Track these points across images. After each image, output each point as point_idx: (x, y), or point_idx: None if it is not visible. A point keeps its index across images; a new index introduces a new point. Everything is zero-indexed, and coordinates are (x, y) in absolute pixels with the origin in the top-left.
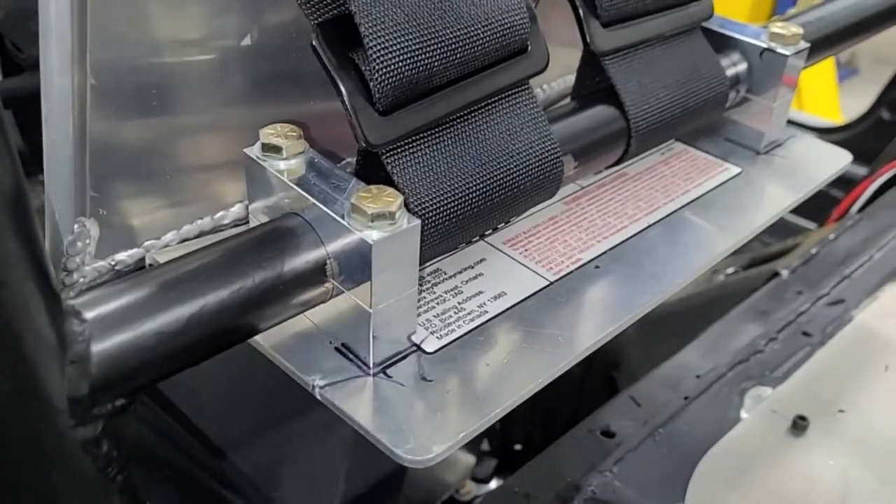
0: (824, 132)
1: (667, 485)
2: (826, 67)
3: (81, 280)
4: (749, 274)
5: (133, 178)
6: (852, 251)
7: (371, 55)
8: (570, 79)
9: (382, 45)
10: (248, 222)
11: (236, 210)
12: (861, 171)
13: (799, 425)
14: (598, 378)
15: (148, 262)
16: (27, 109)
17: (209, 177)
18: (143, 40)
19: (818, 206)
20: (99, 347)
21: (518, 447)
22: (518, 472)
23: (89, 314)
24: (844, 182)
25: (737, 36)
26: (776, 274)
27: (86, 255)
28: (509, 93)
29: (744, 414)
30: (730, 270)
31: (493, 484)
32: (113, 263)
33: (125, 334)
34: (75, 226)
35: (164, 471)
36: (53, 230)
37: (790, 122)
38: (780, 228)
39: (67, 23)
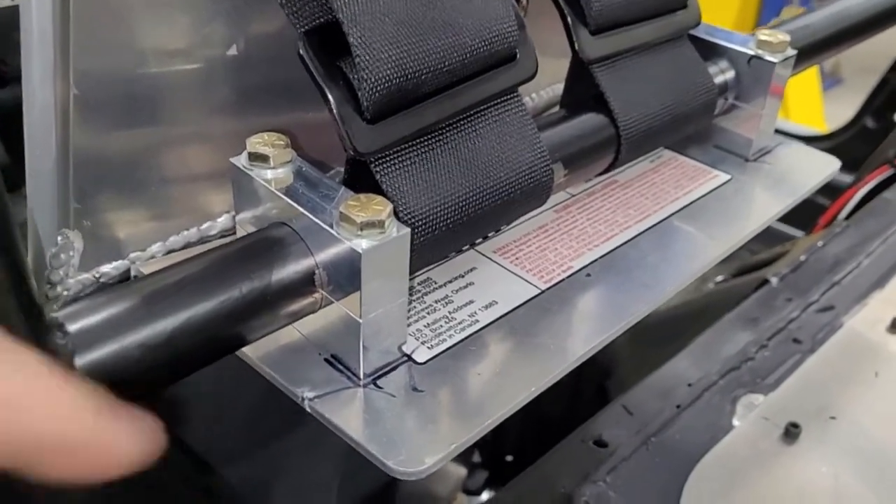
0: (809, 141)
1: (660, 494)
2: (811, 77)
3: (66, 293)
4: (738, 282)
5: (118, 189)
6: (841, 258)
7: (359, 63)
8: (560, 87)
9: (370, 54)
10: (235, 233)
11: (223, 221)
12: (847, 178)
13: (791, 432)
14: (589, 387)
15: (133, 273)
16: (12, 122)
17: (195, 187)
18: (128, 50)
19: (805, 215)
20: (82, 361)
21: (509, 458)
22: (510, 483)
23: (72, 327)
24: (831, 190)
25: (724, 43)
26: (765, 281)
27: (70, 267)
28: (498, 101)
29: (736, 422)
30: (719, 278)
31: (485, 496)
32: (98, 276)
33: (109, 347)
34: (59, 238)
35: (149, 486)
36: (36, 242)
37: (776, 132)
38: (767, 236)
39: (49, 33)
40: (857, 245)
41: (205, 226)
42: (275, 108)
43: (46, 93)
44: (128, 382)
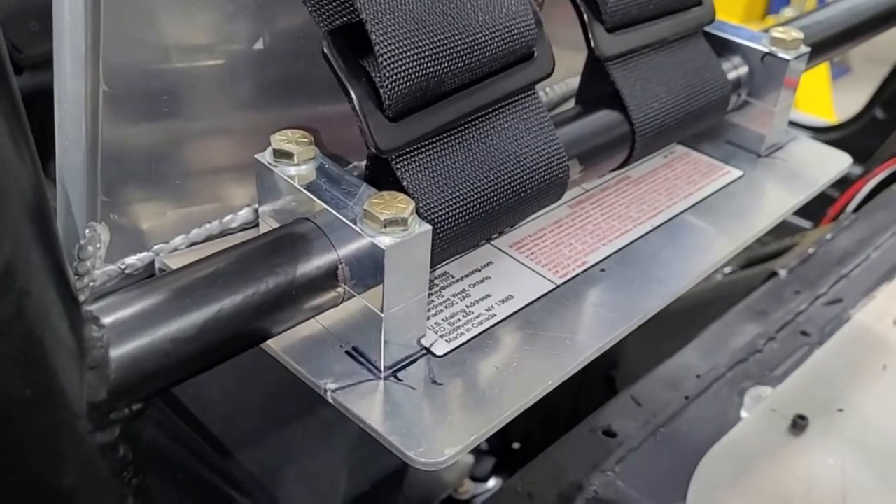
0: (819, 131)
1: (668, 484)
2: (820, 66)
3: (91, 284)
4: (747, 273)
5: (143, 182)
6: (849, 251)
7: (382, 62)
8: (573, 81)
9: (393, 53)
10: (256, 226)
11: (244, 214)
12: (856, 170)
13: (798, 424)
14: (597, 377)
15: (157, 265)
16: (28, 109)
17: (218, 180)
18: (155, 46)
19: (814, 206)
20: (117, 353)
21: (516, 446)
22: (520, 472)
23: (107, 320)
24: (840, 181)
25: (738, 40)
26: (774, 274)
27: (96, 259)
28: (516, 98)
29: (744, 413)
30: (728, 270)
31: (492, 482)
32: (123, 267)
33: (142, 339)
34: (87, 230)
35: (171, 470)
36: (66, 235)
37: None
38: (775, 227)
39: (81, 29)
40: (865, 238)
41: (226, 218)
42: (296, 102)
43: (77, 87)
44: (159, 374)
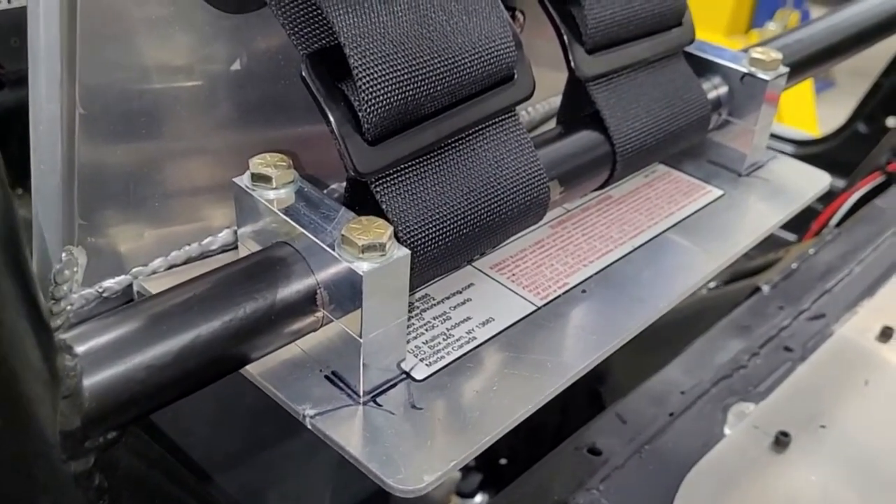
0: (802, 145)
1: (652, 502)
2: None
3: (69, 308)
4: (730, 289)
5: (121, 205)
6: (832, 266)
7: (360, 85)
8: (554, 101)
9: (371, 76)
10: (236, 248)
11: (224, 236)
12: (839, 183)
13: (781, 441)
14: (582, 392)
15: (136, 289)
16: (7, 125)
17: (197, 203)
18: (132, 67)
19: (798, 219)
20: (90, 381)
21: (503, 462)
22: (505, 491)
23: (80, 348)
24: (824, 195)
25: (717, 60)
26: (757, 289)
27: (73, 282)
28: (496, 120)
29: (727, 430)
30: (712, 285)
31: (478, 498)
32: (100, 290)
33: (116, 368)
34: (63, 254)
35: (148, 497)
36: (41, 259)
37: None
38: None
39: (56, 51)
40: (848, 253)
41: (206, 241)
42: (275, 123)
43: (53, 110)
44: (134, 402)
